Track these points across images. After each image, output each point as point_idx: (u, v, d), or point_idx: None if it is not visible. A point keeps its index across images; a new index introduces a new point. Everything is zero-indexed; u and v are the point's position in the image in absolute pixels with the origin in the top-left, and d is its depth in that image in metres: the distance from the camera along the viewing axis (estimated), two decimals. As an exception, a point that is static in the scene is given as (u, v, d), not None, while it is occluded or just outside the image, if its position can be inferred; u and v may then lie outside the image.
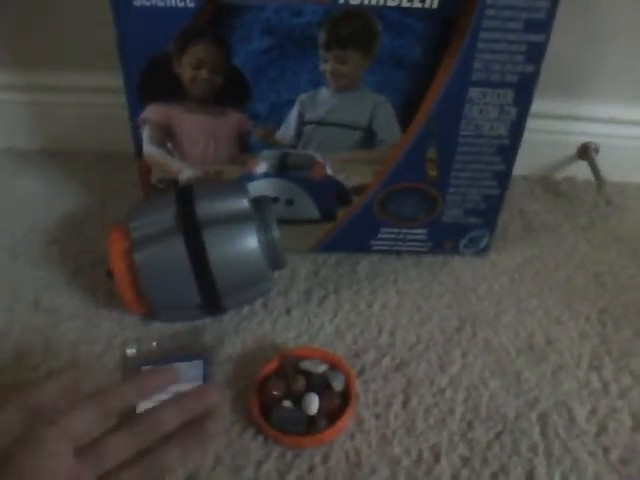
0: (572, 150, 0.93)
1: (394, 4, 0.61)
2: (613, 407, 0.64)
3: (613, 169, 0.91)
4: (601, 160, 0.91)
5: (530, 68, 0.65)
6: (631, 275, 0.80)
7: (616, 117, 0.91)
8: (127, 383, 0.51)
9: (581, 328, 0.73)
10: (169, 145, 0.72)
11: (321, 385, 0.63)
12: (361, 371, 0.67)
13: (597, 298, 0.76)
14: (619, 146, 0.92)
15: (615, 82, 0.88)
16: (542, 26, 0.63)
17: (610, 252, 0.83)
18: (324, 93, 0.68)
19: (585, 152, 0.91)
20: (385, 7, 0.61)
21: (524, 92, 0.67)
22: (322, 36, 0.64)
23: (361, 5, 0.61)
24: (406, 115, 0.68)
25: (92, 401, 0.47)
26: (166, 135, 0.71)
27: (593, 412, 0.64)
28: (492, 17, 0.62)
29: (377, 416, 0.63)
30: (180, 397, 0.50)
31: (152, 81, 0.67)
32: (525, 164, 0.91)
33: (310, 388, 0.63)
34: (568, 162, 0.94)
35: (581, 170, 0.93)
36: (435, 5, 0.61)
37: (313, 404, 0.61)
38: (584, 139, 0.92)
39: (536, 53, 0.64)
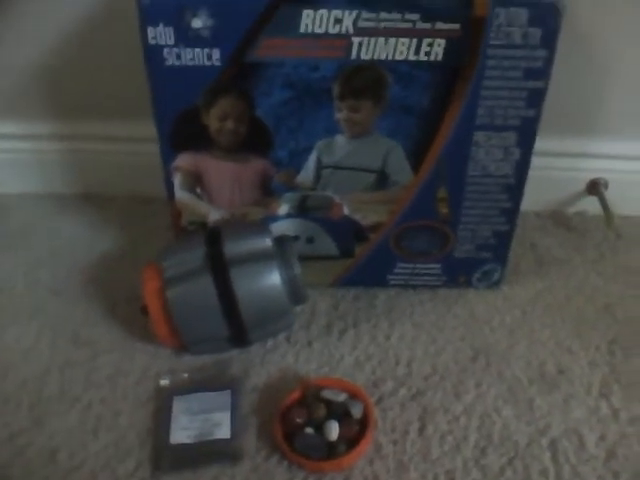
0: (582, 186, 0.97)
1: (401, 58, 0.67)
2: (622, 433, 0.67)
3: (622, 203, 0.94)
4: (611, 195, 0.94)
5: (531, 112, 0.70)
6: (641, 306, 0.82)
7: (624, 153, 0.94)
8: None
9: (591, 357, 0.75)
10: (198, 190, 0.78)
11: (341, 413, 0.67)
12: (379, 400, 0.71)
13: (607, 328, 0.79)
14: (628, 181, 0.95)
15: (622, 119, 0.92)
16: (541, 73, 0.67)
17: (620, 284, 0.86)
18: (339, 140, 0.73)
19: (594, 187, 0.95)
20: (393, 61, 0.67)
21: (527, 134, 0.72)
22: (336, 88, 0.69)
23: (371, 60, 0.67)
24: (417, 158, 0.73)
25: None
26: (196, 181, 0.77)
27: (602, 438, 0.67)
28: (493, 67, 0.67)
29: (394, 442, 0.67)
30: None
31: (183, 132, 0.73)
32: (537, 200, 0.95)
33: (330, 416, 0.66)
34: (579, 197, 0.98)
35: (592, 204, 0.96)
36: (440, 58, 0.67)
37: (333, 431, 0.65)
38: (593, 175, 0.95)
39: (536, 98, 0.69)
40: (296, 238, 0.81)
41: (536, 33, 0.65)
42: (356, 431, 0.66)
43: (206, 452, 0.65)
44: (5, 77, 0.95)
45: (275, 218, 0.79)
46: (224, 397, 0.70)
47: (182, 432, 0.66)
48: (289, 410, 0.67)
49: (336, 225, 0.80)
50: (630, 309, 0.82)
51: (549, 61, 0.67)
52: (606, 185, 0.95)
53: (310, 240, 0.81)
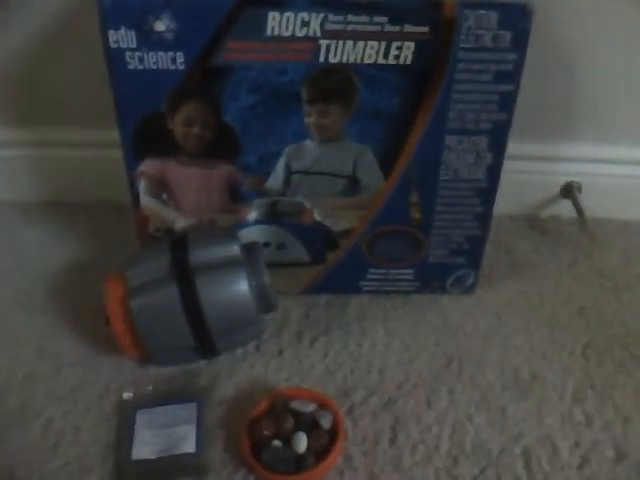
0: (556, 189, 0.96)
1: (370, 61, 0.65)
2: (596, 440, 0.66)
3: (596, 206, 0.93)
4: (585, 198, 0.93)
5: (503, 116, 0.69)
6: (614, 309, 0.82)
7: (598, 157, 0.94)
8: None
9: (565, 362, 0.75)
10: (164, 196, 0.76)
11: (309, 424, 0.65)
12: (350, 409, 0.69)
13: (581, 332, 0.78)
14: (602, 184, 0.95)
15: (595, 122, 0.91)
16: (511, 76, 0.67)
17: (594, 287, 0.85)
18: (309, 144, 0.72)
19: (568, 191, 0.94)
20: (362, 64, 0.66)
21: (498, 138, 0.71)
22: (305, 92, 0.68)
23: (339, 63, 0.66)
24: (388, 162, 0.72)
25: None
26: (161, 187, 0.75)
27: (576, 445, 0.66)
28: (464, 70, 0.66)
29: (365, 453, 0.65)
30: None
31: (147, 137, 0.71)
32: (511, 204, 0.95)
33: (299, 427, 0.65)
34: (553, 201, 0.97)
35: (566, 208, 0.96)
36: (409, 61, 0.65)
37: (301, 443, 0.63)
38: (567, 178, 0.95)
39: (507, 101, 0.68)
40: (267, 244, 0.79)
41: (506, 36, 0.64)
42: (325, 442, 0.64)
43: (170, 467, 0.63)
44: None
45: (245, 224, 0.78)
46: (190, 410, 0.68)
47: (145, 447, 0.64)
48: (256, 422, 0.66)
49: (307, 231, 0.78)
50: (604, 312, 0.81)
51: (520, 64, 0.66)
52: (580, 188, 0.94)
53: (281, 247, 0.79)
